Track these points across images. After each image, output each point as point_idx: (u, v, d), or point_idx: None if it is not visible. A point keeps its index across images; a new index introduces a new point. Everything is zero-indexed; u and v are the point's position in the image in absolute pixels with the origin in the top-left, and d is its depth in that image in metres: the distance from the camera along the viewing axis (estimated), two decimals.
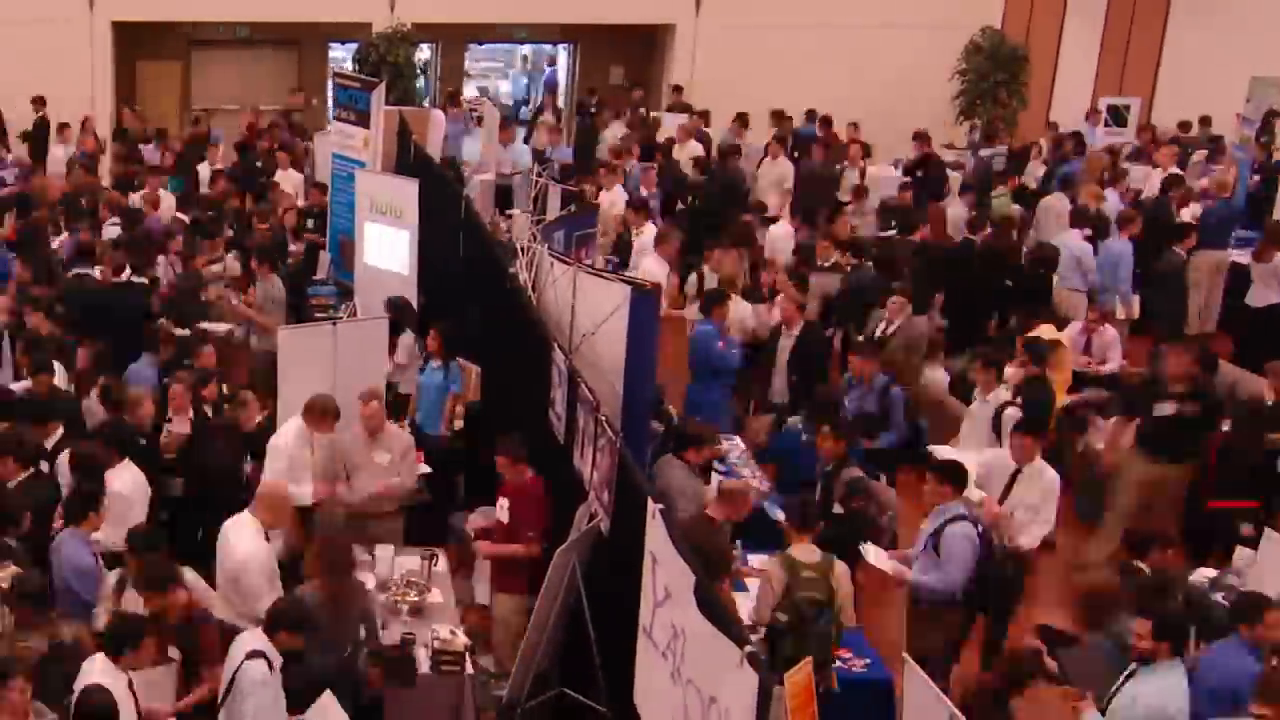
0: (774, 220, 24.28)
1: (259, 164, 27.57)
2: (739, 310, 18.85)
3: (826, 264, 20.73)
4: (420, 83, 34.36)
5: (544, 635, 11.54)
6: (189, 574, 11.89)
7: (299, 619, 10.94)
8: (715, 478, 14.69)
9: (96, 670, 10.24)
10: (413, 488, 14.71)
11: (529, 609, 12.64)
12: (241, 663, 10.55)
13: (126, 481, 13.14)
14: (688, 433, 13.94)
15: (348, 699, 11.14)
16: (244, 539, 12.22)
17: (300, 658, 10.89)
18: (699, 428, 14.19)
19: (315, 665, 11.01)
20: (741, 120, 30.85)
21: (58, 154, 28.71)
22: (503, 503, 13.13)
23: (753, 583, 12.86)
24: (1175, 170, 26.90)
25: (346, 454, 14.38)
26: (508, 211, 24.13)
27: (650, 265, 20.13)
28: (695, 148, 29.06)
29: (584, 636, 11.22)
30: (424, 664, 12.07)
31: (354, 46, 33.90)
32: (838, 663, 12.07)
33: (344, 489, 14.17)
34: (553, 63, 41.29)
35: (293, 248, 22.25)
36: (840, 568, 11.68)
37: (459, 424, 16.35)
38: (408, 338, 17.31)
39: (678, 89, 33.77)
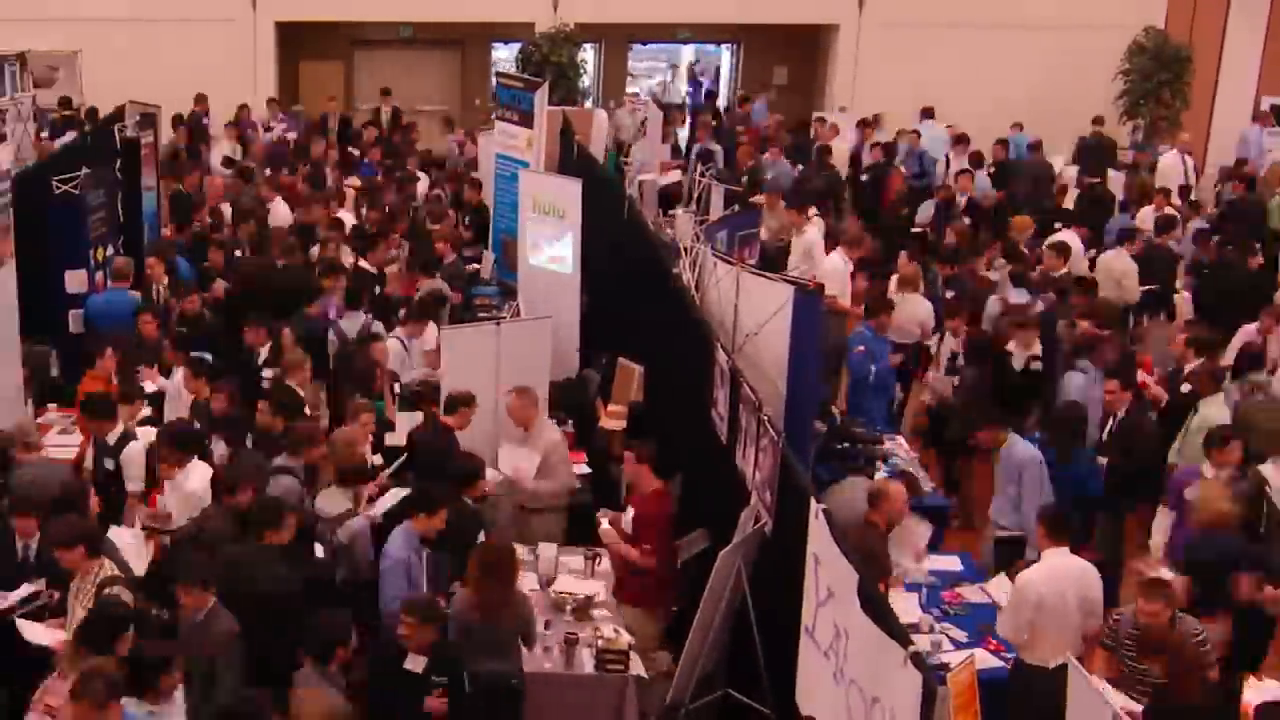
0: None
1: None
2: (918, 310, 18.85)
3: (1056, 274, 20.29)
4: (585, 82, 34.43)
5: (708, 636, 11.54)
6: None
7: None
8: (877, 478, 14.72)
9: None
10: (558, 488, 14.75)
11: (655, 621, 13.00)
12: None
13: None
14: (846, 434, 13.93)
15: (510, 703, 11.29)
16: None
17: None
18: (858, 434, 14.15)
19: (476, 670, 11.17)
20: (872, 122, 30.85)
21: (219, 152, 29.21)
22: (630, 511, 13.26)
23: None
24: None
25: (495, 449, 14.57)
26: (670, 211, 24.16)
27: (836, 262, 20.14)
28: (842, 149, 28.97)
29: (748, 637, 11.22)
30: (588, 664, 12.12)
31: (517, 47, 34.07)
32: (1000, 661, 12.03)
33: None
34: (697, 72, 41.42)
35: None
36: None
37: (621, 424, 16.39)
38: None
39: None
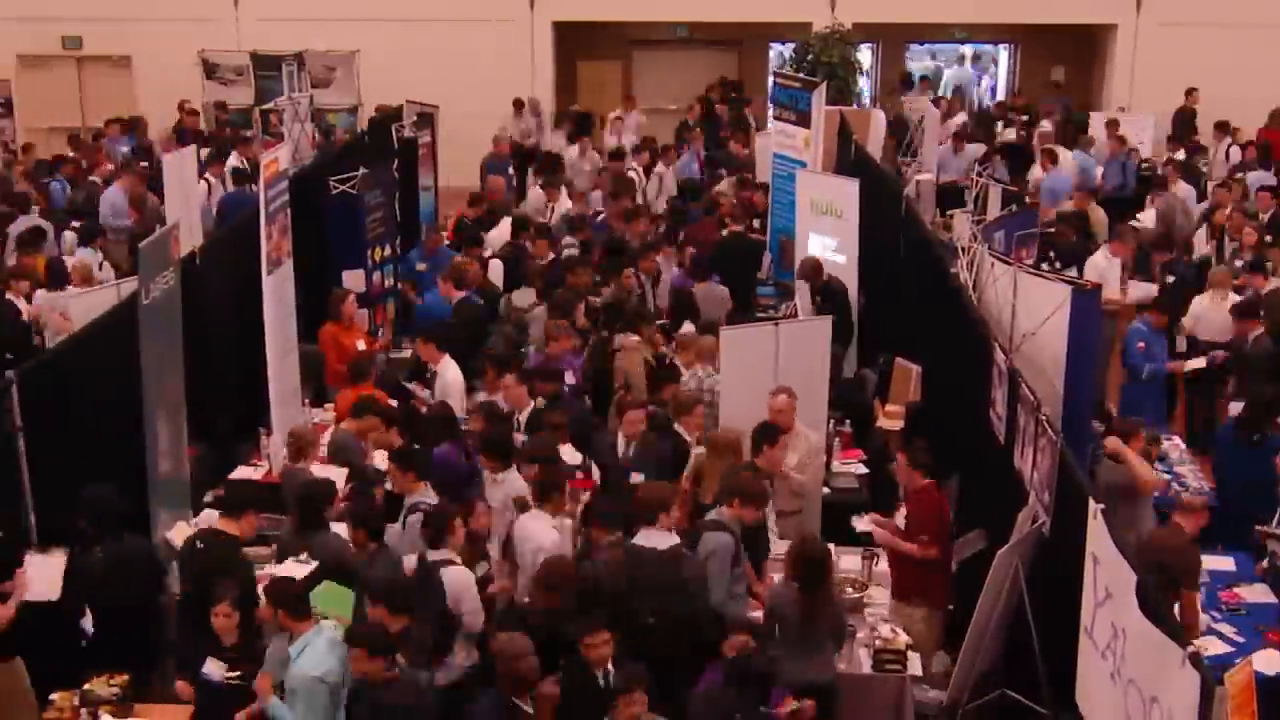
0: None
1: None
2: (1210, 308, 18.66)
3: None
4: (862, 82, 34.37)
5: (985, 636, 11.56)
6: None
7: None
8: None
9: None
10: (799, 484, 14.80)
11: (924, 619, 12.87)
12: None
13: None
14: (1114, 431, 13.83)
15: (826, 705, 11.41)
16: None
17: None
18: (1125, 424, 14.07)
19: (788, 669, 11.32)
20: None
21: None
22: (902, 512, 13.34)
23: None
24: None
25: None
26: (949, 212, 24.11)
27: (1098, 260, 20.00)
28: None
29: (1026, 637, 11.23)
30: (865, 663, 12.20)
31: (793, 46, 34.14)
32: None
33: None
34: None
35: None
36: None
37: (899, 424, 16.41)
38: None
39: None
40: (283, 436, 15.57)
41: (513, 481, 13.40)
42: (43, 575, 11.65)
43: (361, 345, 17.86)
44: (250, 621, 11.41)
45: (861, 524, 13.77)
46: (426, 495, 13.05)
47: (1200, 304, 18.88)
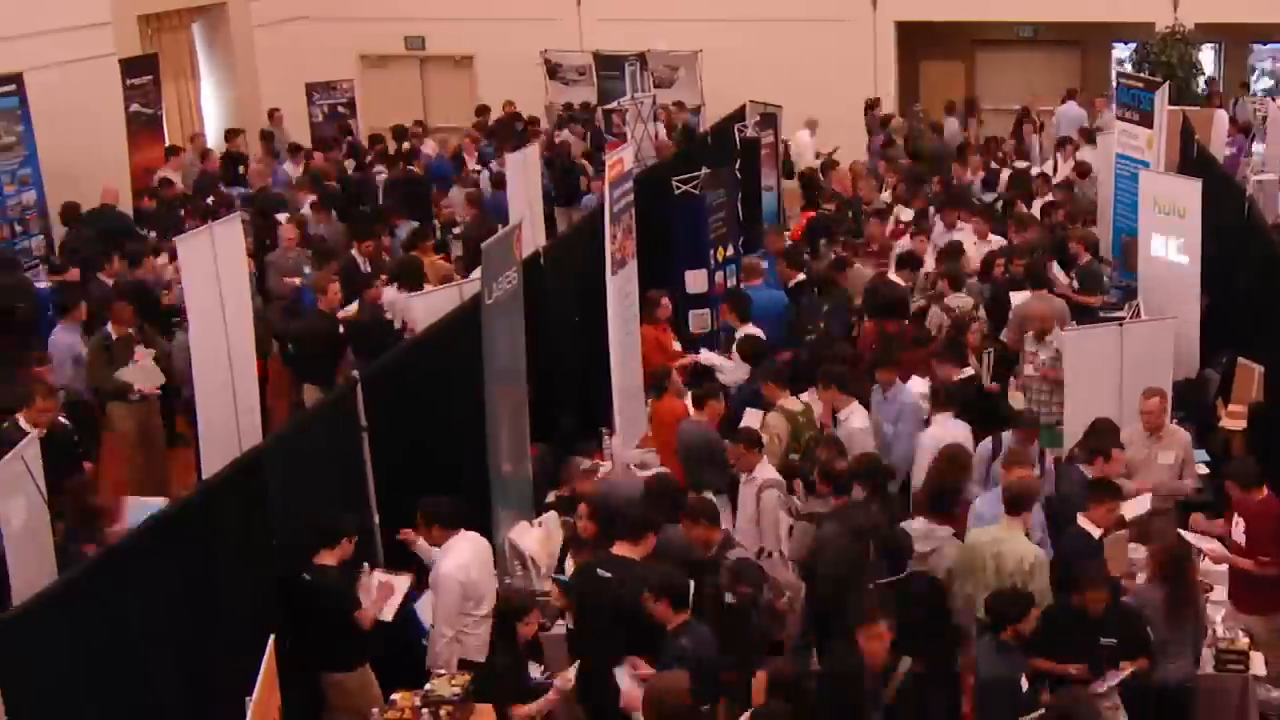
0: None
1: None
2: None
3: None
4: (1203, 82, 33.88)
5: None
6: None
7: None
8: None
9: None
10: (1190, 489, 14.82)
11: (1265, 626, 12.72)
12: None
13: None
14: None
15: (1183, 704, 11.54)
16: None
17: None
18: None
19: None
20: None
21: None
22: (1237, 522, 13.02)
23: None
24: None
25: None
26: None
27: None
28: None
29: None
30: (1208, 663, 12.22)
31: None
32: None
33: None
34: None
35: None
36: None
37: (1241, 424, 16.34)
38: None
39: None
40: (625, 436, 16.01)
41: None
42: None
43: (677, 346, 18.42)
44: None
45: (1189, 538, 13.42)
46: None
47: None
